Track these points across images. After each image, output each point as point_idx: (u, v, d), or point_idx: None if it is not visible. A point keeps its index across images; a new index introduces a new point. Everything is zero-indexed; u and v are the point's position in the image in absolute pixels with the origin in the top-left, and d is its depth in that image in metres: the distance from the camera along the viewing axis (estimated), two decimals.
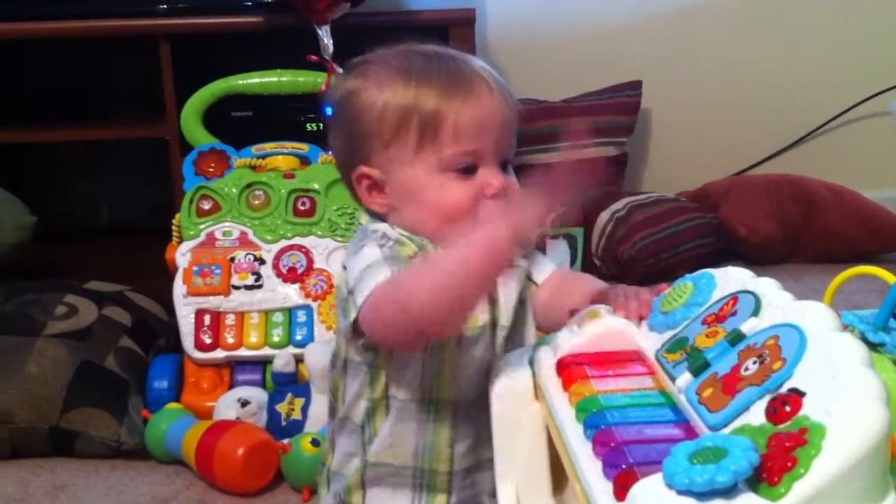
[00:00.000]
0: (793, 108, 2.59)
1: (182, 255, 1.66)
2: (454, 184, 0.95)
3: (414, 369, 0.95)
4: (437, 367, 0.96)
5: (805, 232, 2.38)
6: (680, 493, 0.60)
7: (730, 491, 0.60)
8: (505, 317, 0.98)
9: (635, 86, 2.55)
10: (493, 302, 0.98)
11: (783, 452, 0.61)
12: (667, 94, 2.59)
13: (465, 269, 0.83)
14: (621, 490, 0.65)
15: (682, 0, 2.57)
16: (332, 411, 1.03)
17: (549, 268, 1.05)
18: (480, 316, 0.96)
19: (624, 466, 0.67)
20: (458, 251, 0.84)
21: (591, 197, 2.43)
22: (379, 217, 0.99)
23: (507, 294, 0.99)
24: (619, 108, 2.54)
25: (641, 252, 2.24)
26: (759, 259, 2.36)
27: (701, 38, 2.59)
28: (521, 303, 1.00)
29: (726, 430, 0.67)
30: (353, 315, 0.90)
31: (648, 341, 0.87)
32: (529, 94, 2.53)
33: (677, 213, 2.35)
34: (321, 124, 1.99)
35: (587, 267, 2.22)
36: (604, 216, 2.32)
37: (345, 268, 0.95)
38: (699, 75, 2.60)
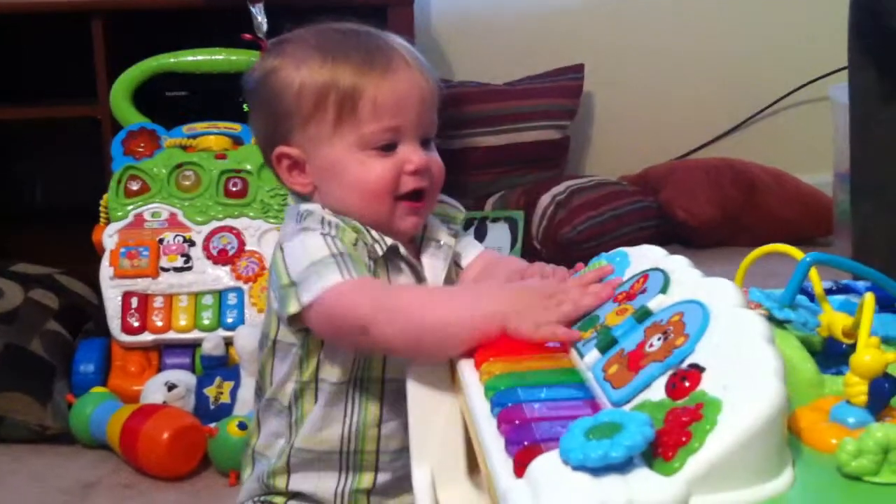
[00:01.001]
0: (733, 92, 2.62)
1: (109, 237, 1.64)
2: (374, 161, 0.94)
3: (346, 353, 0.95)
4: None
5: (745, 216, 2.41)
6: (575, 468, 0.59)
7: (624, 466, 0.59)
8: None
9: (578, 69, 2.55)
10: (420, 281, 0.98)
11: (679, 427, 0.60)
12: (609, 78, 2.59)
13: (450, 334, 0.82)
14: (521, 467, 0.64)
15: None
16: (259, 391, 1.02)
17: (476, 250, 1.05)
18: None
19: (526, 443, 0.66)
20: (452, 313, 0.83)
21: (532, 181, 2.43)
22: (303, 198, 0.98)
23: (435, 273, 0.98)
24: (561, 92, 2.54)
25: (581, 235, 2.24)
26: (699, 242, 2.38)
27: (643, 22, 2.60)
28: (449, 283, 1.00)
29: (628, 407, 0.67)
30: (292, 307, 0.89)
31: None
32: (472, 76, 2.52)
33: (618, 197, 2.36)
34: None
35: (528, 250, 2.22)
36: (545, 199, 2.32)
37: (282, 249, 0.93)
38: (641, 59, 2.61)
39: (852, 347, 0.69)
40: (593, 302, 0.81)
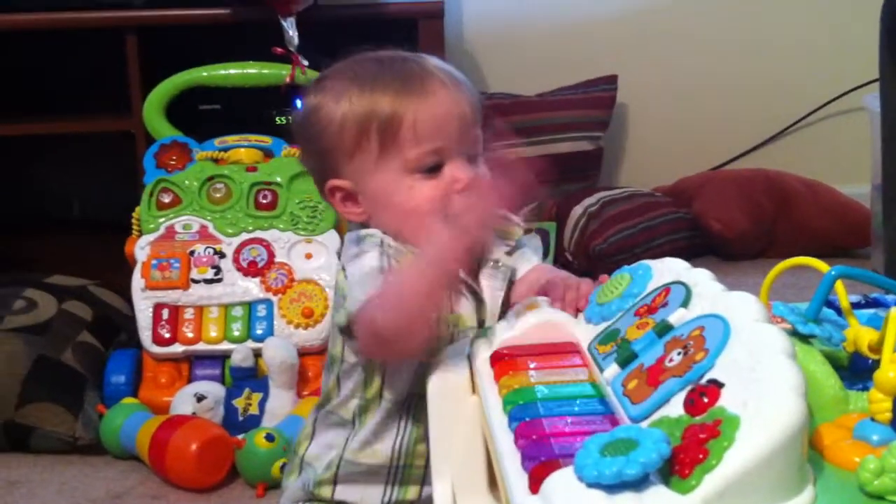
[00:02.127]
0: (768, 104, 2.59)
1: (141, 249, 1.65)
2: (422, 184, 0.94)
3: (408, 371, 0.95)
4: (428, 369, 0.93)
5: (779, 227, 2.38)
6: (590, 485, 0.59)
7: (639, 483, 0.58)
8: (491, 317, 0.96)
9: (611, 80, 2.54)
10: (479, 301, 0.97)
11: (696, 444, 0.60)
12: (642, 89, 2.58)
13: (424, 286, 0.84)
14: (536, 483, 0.63)
15: None
16: (321, 405, 1.02)
17: (529, 264, 1.04)
18: (469, 317, 0.96)
19: (543, 459, 0.66)
20: (415, 268, 0.87)
21: (565, 192, 2.42)
22: (361, 225, 0.99)
23: (493, 293, 0.98)
24: (594, 103, 2.52)
25: (613, 247, 2.23)
26: (733, 254, 2.36)
27: (677, 33, 2.59)
28: (506, 303, 0.99)
29: (646, 423, 0.66)
30: (340, 318, 0.91)
31: (585, 333, 0.86)
32: (504, 88, 2.52)
33: (651, 209, 2.35)
34: (289, 117, 1.97)
35: (559, 262, 2.21)
36: (577, 211, 2.31)
37: (343, 269, 0.94)
38: (675, 71, 2.59)
39: (878, 363, 0.68)
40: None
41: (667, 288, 0.80)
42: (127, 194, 2.11)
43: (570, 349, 0.84)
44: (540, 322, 0.87)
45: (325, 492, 0.99)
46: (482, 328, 0.96)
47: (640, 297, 0.83)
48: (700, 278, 0.79)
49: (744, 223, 2.35)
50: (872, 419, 0.65)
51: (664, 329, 0.74)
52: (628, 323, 0.80)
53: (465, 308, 0.96)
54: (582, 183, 2.48)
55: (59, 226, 2.38)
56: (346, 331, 0.92)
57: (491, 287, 0.98)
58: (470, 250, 0.86)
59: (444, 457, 0.89)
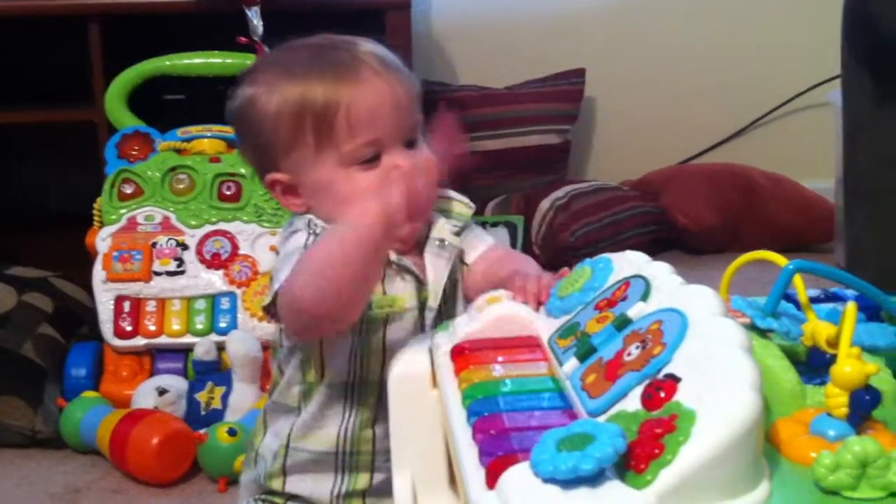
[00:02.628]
0: (735, 98, 2.60)
1: (102, 241, 1.63)
2: (361, 175, 0.94)
3: (342, 353, 0.94)
4: (365, 350, 0.95)
5: (745, 221, 2.39)
6: (545, 480, 0.58)
7: (595, 478, 0.58)
8: (433, 297, 0.96)
9: (579, 74, 2.54)
10: (420, 283, 0.96)
11: (651, 439, 0.59)
12: (610, 84, 2.59)
13: (342, 253, 0.84)
14: (493, 478, 0.63)
15: None
16: (269, 394, 1.03)
17: (483, 245, 1.03)
18: (407, 297, 0.95)
19: (500, 454, 0.65)
20: (332, 235, 0.86)
21: (533, 185, 2.42)
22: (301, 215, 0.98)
23: (437, 274, 0.97)
24: (562, 96, 2.53)
25: (580, 241, 2.23)
26: (699, 248, 2.37)
27: (645, 28, 2.59)
28: (453, 283, 0.99)
29: (603, 417, 0.66)
30: (266, 298, 0.91)
31: (545, 326, 0.85)
32: (472, 80, 2.51)
33: (618, 202, 2.35)
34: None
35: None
36: (544, 204, 2.31)
37: (277, 253, 0.96)
38: (643, 65, 2.60)
39: (836, 358, 0.68)
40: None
41: (627, 281, 0.80)
42: (90, 185, 2.09)
43: (530, 343, 0.84)
44: (501, 315, 0.87)
45: (276, 484, 0.98)
46: (423, 309, 0.96)
47: (600, 291, 0.82)
48: (660, 272, 0.78)
49: (710, 217, 2.36)
50: (829, 414, 0.65)
51: (623, 323, 0.74)
52: (588, 317, 0.80)
53: (402, 289, 0.95)
54: (549, 176, 2.49)
55: (22, 217, 2.35)
56: (271, 310, 0.91)
57: (435, 266, 0.97)
58: (389, 217, 0.83)
59: (405, 450, 0.88)
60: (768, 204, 2.39)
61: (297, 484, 0.98)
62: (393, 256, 0.94)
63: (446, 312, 0.97)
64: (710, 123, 2.62)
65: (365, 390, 0.96)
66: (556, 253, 2.23)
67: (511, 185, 2.46)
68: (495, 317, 0.87)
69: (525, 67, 2.54)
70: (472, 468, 0.66)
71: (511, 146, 2.49)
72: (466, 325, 0.88)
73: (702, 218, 2.36)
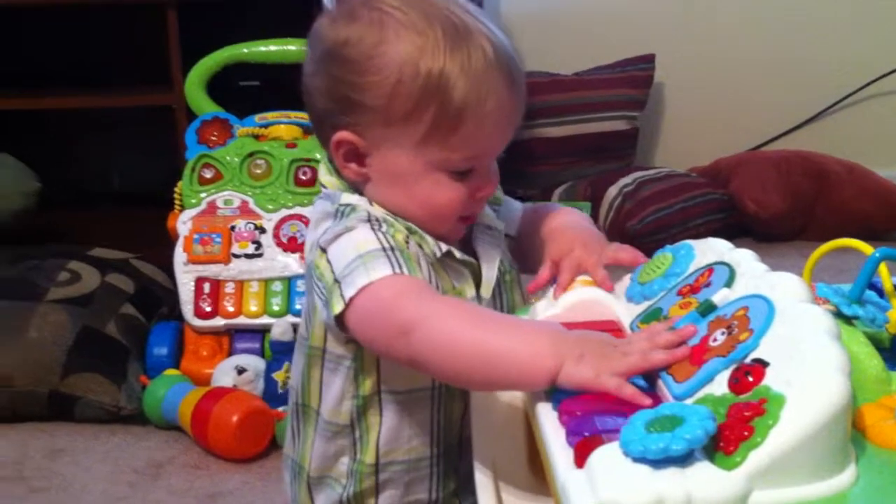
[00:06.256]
0: (807, 85, 2.58)
1: (183, 224, 1.67)
2: (450, 184, 0.86)
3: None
4: None
5: (816, 208, 2.37)
6: (635, 460, 0.60)
7: (685, 459, 0.59)
8: (486, 287, 0.91)
9: (648, 59, 2.53)
10: (477, 277, 0.91)
11: (741, 422, 0.60)
12: (680, 69, 2.57)
13: (497, 362, 0.75)
14: (581, 458, 0.64)
15: None
16: (302, 407, 0.93)
17: (519, 211, 1.00)
18: (469, 288, 0.90)
19: (586, 434, 0.67)
20: (504, 340, 0.75)
21: (600, 171, 2.42)
22: (352, 185, 0.88)
23: (489, 266, 0.92)
24: (631, 82, 2.52)
25: (648, 227, 2.23)
26: (769, 236, 2.35)
27: (716, 12, 2.58)
28: (503, 271, 0.93)
29: (690, 401, 0.67)
30: (337, 307, 0.80)
31: (626, 312, 0.86)
32: (541, 66, 2.52)
33: (687, 189, 2.34)
34: None
35: None
36: (612, 191, 2.31)
37: (323, 250, 0.84)
38: (713, 50, 2.58)
39: None
40: (665, 360, 0.70)
41: (710, 268, 0.81)
42: (166, 169, 2.15)
43: (611, 327, 0.85)
44: (582, 300, 0.88)
45: (370, 502, 0.92)
46: (479, 299, 0.90)
47: (682, 277, 0.83)
48: (743, 258, 0.79)
49: (780, 204, 2.34)
50: None
51: (708, 308, 0.75)
52: (671, 302, 0.80)
53: (465, 280, 0.90)
54: (617, 162, 2.49)
55: (98, 199, 2.41)
56: (340, 320, 0.81)
57: (487, 254, 0.92)
58: (553, 380, 0.72)
59: (485, 435, 0.90)
60: (840, 191, 2.36)
61: (393, 498, 0.92)
62: (458, 254, 0.89)
63: (498, 300, 0.93)
64: (782, 110, 2.59)
65: (449, 389, 0.89)
66: (623, 240, 2.18)
67: (578, 172, 2.46)
68: (576, 301, 0.88)
69: (594, 53, 2.54)
70: (559, 449, 0.68)
71: (579, 132, 2.49)
72: (546, 310, 0.90)
73: (772, 205, 2.34)
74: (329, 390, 0.90)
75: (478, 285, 0.91)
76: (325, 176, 0.91)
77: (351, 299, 0.79)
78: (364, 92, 0.83)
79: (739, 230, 2.35)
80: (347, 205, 0.86)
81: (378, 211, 0.86)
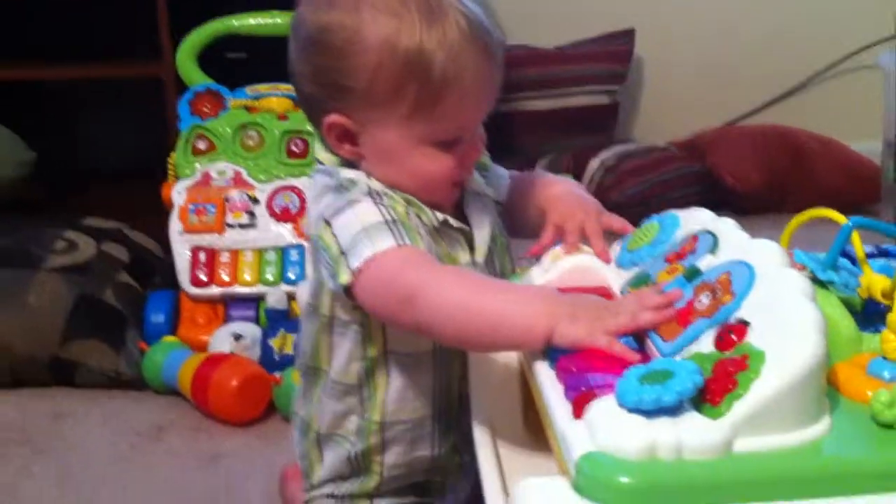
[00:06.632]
0: (783, 59, 2.63)
1: (178, 194, 1.71)
2: (438, 154, 0.90)
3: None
4: None
5: (792, 183, 2.43)
6: (630, 410, 0.65)
7: (675, 409, 0.65)
8: (480, 252, 0.96)
9: (628, 34, 2.58)
10: (471, 242, 0.96)
11: (726, 376, 0.66)
12: (659, 44, 2.62)
13: (496, 324, 0.79)
14: (579, 409, 0.70)
15: None
16: (310, 370, 0.98)
17: (506, 178, 1.04)
18: (463, 254, 0.95)
19: (583, 389, 0.72)
20: (502, 304, 0.79)
21: (581, 145, 2.47)
22: (348, 162, 0.93)
23: (481, 232, 0.96)
24: (611, 57, 2.57)
25: (629, 200, 2.28)
26: (746, 208, 2.41)
27: None
28: (493, 237, 0.98)
29: (677, 358, 0.72)
30: (344, 278, 0.85)
31: (616, 277, 0.92)
32: (521, 40, 2.55)
33: (666, 163, 2.40)
34: None
35: None
36: (593, 164, 2.36)
37: (327, 222, 0.88)
38: (692, 25, 2.63)
39: (890, 308, 0.74)
40: (652, 319, 0.75)
41: (695, 236, 0.86)
42: (155, 140, 2.18)
43: (603, 292, 0.90)
44: (574, 266, 0.93)
45: (377, 458, 0.97)
46: (474, 265, 0.95)
47: (668, 245, 0.89)
48: (726, 227, 0.85)
49: (757, 178, 2.40)
50: (884, 358, 0.72)
51: (693, 273, 0.80)
52: (658, 268, 0.86)
53: (460, 246, 0.95)
54: (598, 136, 2.54)
55: (88, 170, 2.44)
56: (347, 290, 0.85)
57: (479, 221, 0.96)
58: (549, 340, 0.77)
59: (483, 393, 0.95)
60: (815, 165, 2.42)
61: (398, 455, 0.97)
62: (453, 222, 0.94)
63: (491, 264, 0.97)
64: (758, 85, 2.64)
65: (443, 349, 0.94)
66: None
67: (560, 145, 2.51)
68: (569, 267, 0.94)
69: (574, 27, 2.58)
70: (558, 403, 0.73)
71: (560, 106, 2.54)
72: (541, 276, 0.95)
73: (749, 178, 2.40)
74: (338, 353, 0.95)
75: (472, 251, 0.95)
76: (321, 153, 0.95)
77: (358, 270, 0.84)
78: (347, 76, 0.87)
79: (717, 203, 2.40)
80: (349, 179, 0.91)
81: (377, 185, 0.91)
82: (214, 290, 1.64)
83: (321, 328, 0.96)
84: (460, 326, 0.81)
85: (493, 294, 0.82)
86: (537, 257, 0.96)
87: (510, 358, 0.94)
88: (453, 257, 0.94)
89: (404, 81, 0.86)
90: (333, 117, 0.90)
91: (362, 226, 0.86)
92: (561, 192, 1.01)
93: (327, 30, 0.87)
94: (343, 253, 0.86)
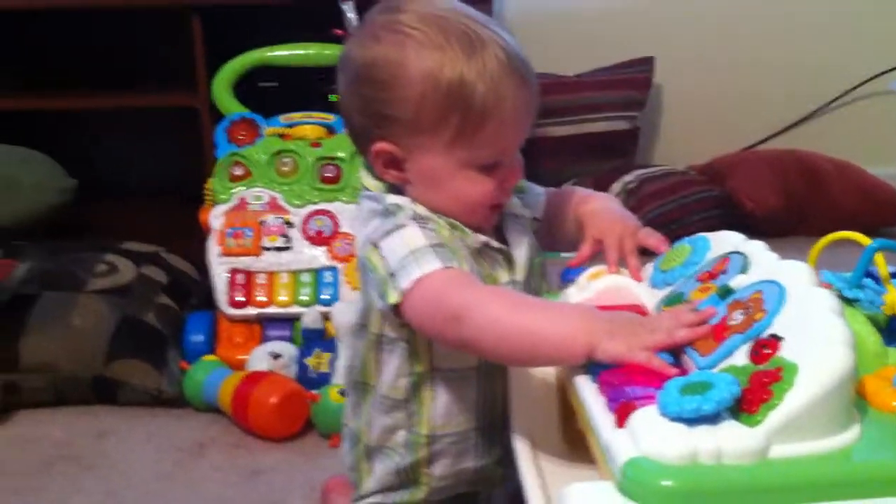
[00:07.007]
0: (799, 86, 2.68)
1: (216, 218, 1.76)
2: (480, 178, 0.95)
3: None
4: None
5: (809, 206, 2.46)
6: (672, 419, 0.70)
7: (714, 418, 0.69)
8: (520, 272, 1.00)
9: (647, 62, 2.63)
10: (511, 263, 1.00)
11: (761, 386, 0.71)
12: (678, 71, 2.67)
13: (537, 340, 0.84)
14: (621, 419, 0.75)
15: None
16: (359, 385, 1.03)
17: (542, 196, 1.09)
18: (503, 274, 0.99)
19: (624, 400, 0.77)
20: (543, 321, 0.84)
21: (603, 170, 2.52)
22: (394, 187, 0.98)
23: (520, 252, 1.00)
24: (631, 84, 2.62)
25: (650, 222, 2.28)
26: (764, 232, 2.45)
27: (712, 16, 2.67)
28: (531, 257, 1.02)
29: (714, 371, 0.77)
30: (393, 298, 0.90)
31: (650, 297, 0.96)
32: (544, 68, 2.60)
33: (686, 186, 2.44)
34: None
35: None
36: (615, 187, 2.41)
37: (375, 245, 0.93)
38: (709, 53, 2.68)
39: None
40: (688, 336, 0.80)
41: (726, 257, 0.91)
42: (190, 167, 2.24)
43: (638, 310, 0.95)
44: (610, 286, 0.98)
45: (424, 471, 1.01)
46: (513, 284, 0.98)
47: (700, 265, 0.94)
48: (756, 249, 0.90)
49: (775, 202, 2.44)
50: None
51: (726, 292, 0.85)
52: (691, 287, 0.91)
53: (500, 266, 0.99)
54: (619, 160, 2.58)
55: (125, 196, 2.49)
56: (396, 309, 0.90)
57: (518, 242, 1.00)
58: (589, 356, 0.81)
59: (524, 408, 0.99)
60: (832, 189, 2.46)
61: (445, 467, 1.01)
62: (494, 243, 0.98)
63: (528, 283, 1.01)
64: (775, 110, 2.69)
65: (489, 366, 0.98)
66: None
67: (581, 170, 2.55)
68: (604, 287, 0.99)
69: (595, 55, 2.63)
70: (600, 414, 0.78)
71: (581, 132, 2.59)
72: (577, 294, 0.99)
73: (767, 202, 2.44)
74: (386, 369, 1.00)
75: (511, 270, 1.00)
76: (367, 179, 1.00)
77: (406, 290, 0.89)
78: (394, 107, 0.93)
79: (736, 226, 2.41)
80: (395, 204, 0.96)
81: (421, 209, 0.96)
82: (251, 311, 1.70)
83: (369, 345, 1.00)
84: (504, 343, 0.86)
85: (534, 312, 0.86)
86: (576, 269, 1.01)
87: (548, 373, 0.98)
88: (494, 277, 0.98)
89: (447, 111, 0.91)
90: (381, 145, 0.95)
91: (409, 249, 0.90)
92: (599, 207, 1.06)
93: (374, 64, 0.93)
94: (392, 274, 0.91)
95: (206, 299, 1.78)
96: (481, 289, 0.91)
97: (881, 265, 0.87)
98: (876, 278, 0.92)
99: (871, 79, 2.61)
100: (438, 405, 0.99)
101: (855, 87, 2.65)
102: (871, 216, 2.44)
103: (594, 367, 0.84)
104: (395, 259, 0.91)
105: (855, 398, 0.73)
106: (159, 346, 1.68)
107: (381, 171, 0.97)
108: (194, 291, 1.88)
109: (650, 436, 0.69)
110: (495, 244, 0.99)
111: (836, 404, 0.70)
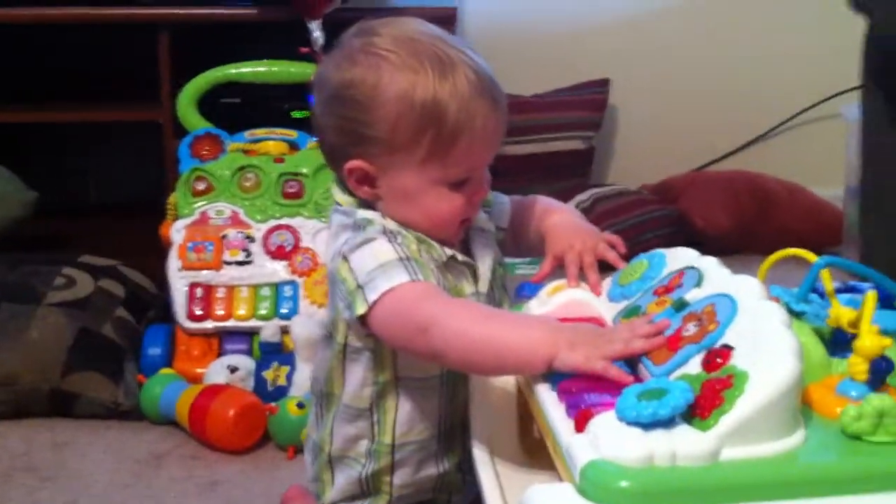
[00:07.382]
0: (751, 108, 2.74)
1: (177, 232, 1.77)
2: (451, 195, 0.98)
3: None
4: None
5: (759, 226, 2.52)
6: (629, 424, 0.73)
7: (669, 422, 0.73)
8: (483, 283, 1.04)
9: (603, 83, 2.68)
10: (476, 276, 1.03)
11: (713, 393, 0.74)
12: (632, 93, 2.72)
13: (502, 351, 0.87)
14: (581, 425, 0.78)
15: (650, 2, 2.71)
16: (324, 395, 1.05)
17: (506, 204, 1.12)
18: (468, 286, 1.02)
19: (583, 407, 0.80)
20: (508, 332, 0.88)
21: (558, 188, 2.56)
22: (364, 202, 1.00)
23: (484, 265, 1.04)
24: (587, 105, 2.67)
25: None
26: (714, 250, 2.46)
27: (666, 40, 2.73)
28: (493, 270, 1.05)
29: (668, 379, 0.80)
30: (360, 309, 0.92)
31: (608, 310, 1.00)
32: (503, 89, 2.64)
33: (639, 205, 2.49)
34: (306, 112, 2.09)
35: None
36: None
37: (345, 258, 0.95)
38: (663, 76, 2.74)
39: (855, 337, 0.83)
40: (644, 347, 0.83)
41: (681, 272, 0.95)
42: (148, 180, 2.24)
43: (597, 322, 0.98)
44: (570, 300, 1.01)
45: (385, 479, 1.03)
46: (477, 295, 1.01)
47: (657, 280, 0.98)
48: (710, 264, 0.94)
49: (725, 221, 2.49)
50: (851, 379, 0.80)
51: (681, 305, 0.88)
52: (648, 300, 0.94)
53: (465, 278, 1.02)
54: (574, 180, 2.62)
55: (85, 209, 2.49)
56: (364, 320, 0.93)
57: (482, 255, 1.03)
58: (551, 365, 0.85)
59: (482, 414, 1.02)
60: (781, 209, 2.52)
61: (406, 475, 1.03)
62: (460, 257, 1.02)
63: (491, 294, 1.04)
64: (727, 132, 2.75)
65: (452, 375, 1.01)
66: None
67: (537, 189, 2.56)
68: (565, 301, 1.02)
69: (552, 76, 2.68)
70: (560, 420, 0.81)
71: (538, 151, 2.63)
72: (539, 308, 1.03)
73: (718, 221, 2.49)
74: (350, 378, 1.02)
75: (475, 282, 1.03)
76: (338, 194, 1.04)
77: (375, 302, 0.92)
78: (370, 126, 0.96)
79: (687, 244, 2.46)
80: (365, 219, 0.99)
81: (391, 224, 1.00)
82: (209, 325, 1.70)
83: (335, 355, 1.03)
84: (470, 353, 0.89)
85: (499, 324, 0.90)
86: (537, 284, 1.04)
87: (507, 381, 1.01)
88: (459, 289, 1.02)
89: (421, 130, 0.95)
90: (355, 163, 0.98)
91: (378, 262, 0.93)
92: (560, 221, 1.10)
93: (351, 86, 0.96)
94: (360, 286, 0.93)
95: (165, 313, 1.78)
96: (448, 301, 0.94)
97: (826, 281, 0.92)
98: (821, 293, 0.96)
99: (819, 103, 2.69)
100: (402, 413, 1.02)
101: (803, 111, 2.73)
102: (817, 236, 2.50)
103: (555, 376, 0.87)
104: (364, 272, 0.94)
105: (801, 405, 0.77)
106: (117, 358, 1.68)
107: (354, 188, 1.00)
108: (152, 305, 1.88)
109: (609, 439, 0.72)
110: (461, 257, 1.03)
111: (783, 410, 0.74)
